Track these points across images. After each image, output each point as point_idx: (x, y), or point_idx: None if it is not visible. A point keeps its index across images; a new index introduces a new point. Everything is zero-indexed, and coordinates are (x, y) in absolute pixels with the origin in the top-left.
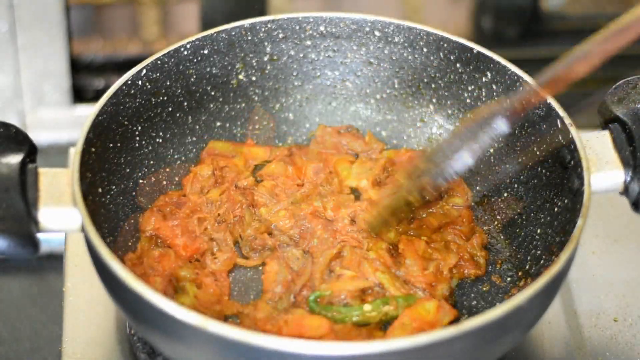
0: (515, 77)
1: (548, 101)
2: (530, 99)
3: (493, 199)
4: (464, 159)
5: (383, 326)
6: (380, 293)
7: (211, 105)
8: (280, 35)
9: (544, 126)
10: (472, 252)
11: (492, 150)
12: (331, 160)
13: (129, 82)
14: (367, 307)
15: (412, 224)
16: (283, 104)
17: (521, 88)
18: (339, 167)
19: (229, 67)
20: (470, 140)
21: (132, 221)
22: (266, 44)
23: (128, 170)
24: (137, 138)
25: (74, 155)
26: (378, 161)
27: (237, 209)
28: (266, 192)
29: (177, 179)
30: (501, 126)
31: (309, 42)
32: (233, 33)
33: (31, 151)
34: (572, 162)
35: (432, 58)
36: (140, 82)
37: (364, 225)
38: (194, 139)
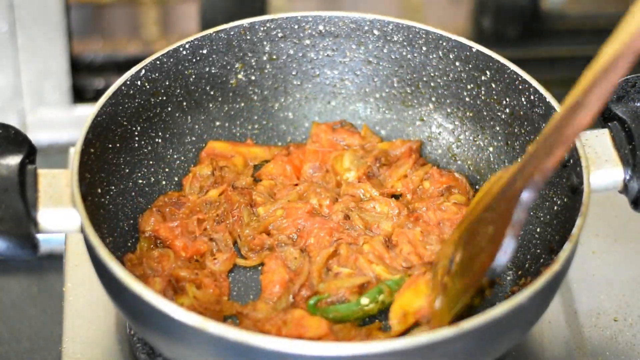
0: (515, 76)
1: (547, 100)
2: (545, 163)
3: None
4: (508, 245)
5: (383, 327)
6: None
7: (210, 105)
8: (279, 35)
9: (544, 125)
10: None
11: (491, 149)
12: (328, 158)
13: (128, 82)
14: (364, 300)
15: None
16: (282, 104)
17: (531, 156)
18: (336, 164)
19: (228, 67)
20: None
21: (132, 221)
22: (265, 43)
23: (127, 170)
24: (137, 138)
25: (74, 156)
26: (371, 152)
27: (235, 209)
28: (264, 192)
29: (176, 179)
30: (528, 198)
31: (308, 41)
32: (232, 33)
33: (30, 152)
34: (571, 161)
35: (431, 57)
36: (139, 82)
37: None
38: (194, 139)
